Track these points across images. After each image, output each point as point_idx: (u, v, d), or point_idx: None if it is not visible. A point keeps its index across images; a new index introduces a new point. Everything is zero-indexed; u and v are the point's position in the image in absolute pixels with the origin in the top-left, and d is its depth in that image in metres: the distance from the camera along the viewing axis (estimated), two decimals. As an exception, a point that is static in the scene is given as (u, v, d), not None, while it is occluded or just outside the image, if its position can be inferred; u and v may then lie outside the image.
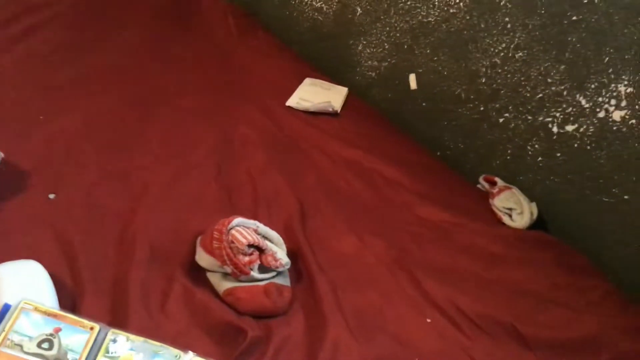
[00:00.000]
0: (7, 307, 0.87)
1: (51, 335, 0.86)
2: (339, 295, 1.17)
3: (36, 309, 0.88)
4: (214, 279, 1.12)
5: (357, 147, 1.64)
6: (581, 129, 1.48)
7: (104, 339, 0.88)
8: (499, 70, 1.60)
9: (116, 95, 1.58)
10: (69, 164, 1.30)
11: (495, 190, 1.59)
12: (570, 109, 1.48)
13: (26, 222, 1.13)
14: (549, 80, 1.50)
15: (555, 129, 1.53)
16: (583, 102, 1.45)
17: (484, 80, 1.65)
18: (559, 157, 1.54)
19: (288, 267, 1.16)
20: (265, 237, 1.16)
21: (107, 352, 0.87)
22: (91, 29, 1.87)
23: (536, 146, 1.58)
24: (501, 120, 1.64)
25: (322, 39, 2.08)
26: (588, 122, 1.46)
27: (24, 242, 1.09)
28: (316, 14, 2.08)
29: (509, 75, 1.59)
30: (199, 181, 1.38)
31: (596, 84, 1.41)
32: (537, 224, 1.55)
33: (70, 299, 1.00)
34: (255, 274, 1.10)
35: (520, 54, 1.54)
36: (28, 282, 0.95)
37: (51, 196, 1.20)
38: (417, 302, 1.22)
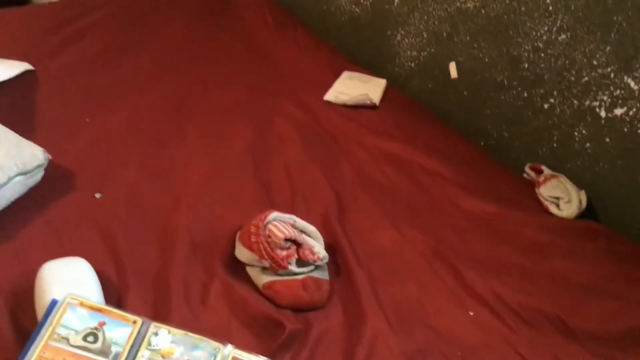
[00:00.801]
0: (54, 303, 0.91)
1: (96, 329, 0.89)
2: (378, 289, 1.16)
3: (82, 304, 0.92)
4: (253, 272, 1.13)
5: (396, 140, 1.62)
6: (630, 112, 1.41)
7: (146, 332, 0.91)
8: (542, 55, 1.55)
9: (156, 94, 1.62)
10: (113, 163, 1.35)
11: (541, 179, 1.54)
12: (618, 91, 1.42)
13: (73, 221, 1.17)
14: (595, 62, 1.45)
15: (603, 113, 1.47)
16: (632, 83, 1.39)
17: (526, 66, 1.60)
18: (608, 142, 1.48)
19: (326, 260, 1.16)
20: (302, 231, 1.17)
21: (150, 345, 0.89)
22: (132, 31, 1.93)
23: (583, 132, 1.53)
24: (546, 106, 1.59)
25: (359, 31, 2.07)
26: (638, 104, 1.39)
27: (72, 240, 1.13)
28: (353, 6, 2.07)
29: (552, 59, 1.53)
30: (237, 176, 1.39)
31: (645, 64, 1.35)
32: (587, 213, 1.49)
33: (115, 294, 1.04)
34: (293, 267, 1.11)
35: (564, 36, 1.49)
36: (75, 278, 0.99)
37: (97, 195, 1.25)
38: (459, 294, 1.20)
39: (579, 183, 1.54)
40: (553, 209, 1.48)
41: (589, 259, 1.34)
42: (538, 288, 1.24)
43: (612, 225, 1.46)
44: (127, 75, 1.67)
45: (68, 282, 0.97)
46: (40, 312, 0.93)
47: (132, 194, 1.27)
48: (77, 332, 0.88)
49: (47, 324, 0.88)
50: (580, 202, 1.48)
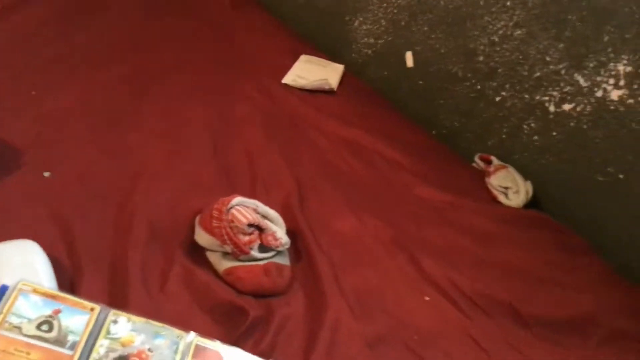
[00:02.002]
0: (4, 289, 0.86)
1: (50, 317, 0.85)
2: (339, 275, 1.16)
3: (35, 290, 0.87)
4: (213, 258, 1.11)
5: (355, 126, 1.63)
6: (578, 108, 1.47)
7: (104, 320, 0.87)
8: (497, 49, 1.59)
9: (109, 72, 1.54)
10: (63, 141, 1.28)
11: (491, 169, 1.59)
12: (568, 88, 1.48)
13: (21, 201, 1.10)
14: (548, 58, 1.49)
15: (552, 108, 1.53)
16: (581, 81, 1.45)
17: (481, 59, 1.63)
18: (555, 136, 1.54)
19: (288, 246, 1.15)
20: (264, 217, 1.15)
21: (109, 333, 0.86)
22: (82, 3, 1.82)
23: (532, 125, 1.58)
24: (498, 99, 1.63)
25: (317, 14, 2.05)
26: (585, 101, 1.45)
27: (20, 221, 1.06)
28: (311, -11, 2.04)
29: (507, 54, 1.57)
30: (196, 159, 1.36)
31: (595, 63, 1.41)
32: (533, 203, 1.55)
33: (68, 280, 0.99)
34: (255, 253, 1.09)
35: (519, 32, 1.53)
36: (25, 262, 0.93)
37: (46, 174, 1.18)
38: (416, 281, 1.22)
39: (525, 174, 1.60)
40: (502, 198, 1.53)
41: (536, 247, 1.40)
42: (490, 275, 1.28)
43: (555, 215, 1.53)
44: (75, 50, 1.58)
45: (18, 267, 0.91)
46: (-13, 299, 0.87)
47: (84, 174, 1.21)
48: (30, 320, 0.83)
49: (-3, 312, 0.83)
50: (527, 192, 1.54)
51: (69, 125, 1.32)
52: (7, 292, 0.85)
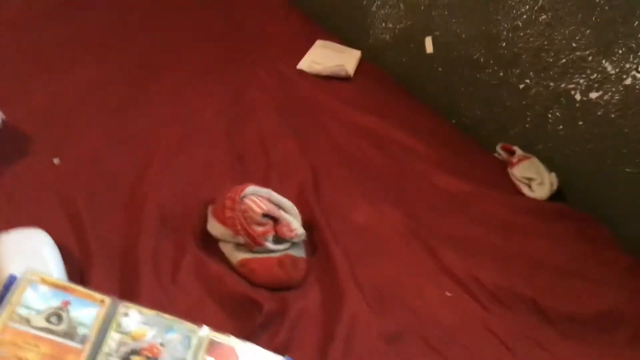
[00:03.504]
0: (12, 279, 0.83)
1: (60, 308, 0.82)
2: (355, 268, 1.13)
3: (43, 281, 0.84)
4: (226, 249, 1.08)
5: (371, 114, 1.58)
6: (605, 97, 1.41)
7: (115, 312, 0.84)
8: (521, 34, 1.53)
9: (120, 55, 1.51)
10: (73, 125, 1.25)
11: (514, 160, 1.54)
12: (595, 75, 1.42)
13: (30, 188, 1.08)
14: (574, 44, 1.43)
15: (578, 96, 1.47)
16: (609, 68, 1.39)
17: (504, 45, 1.58)
18: (581, 125, 1.48)
19: (303, 238, 1.11)
20: (279, 206, 1.11)
21: (119, 326, 0.83)
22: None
23: (557, 114, 1.53)
24: (521, 86, 1.58)
25: (333, -2, 2.00)
26: (613, 89, 1.39)
27: (29, 209, 1.04)
28: (328, -28, 1.99)
29: (531, 39, 1.52)
30: (208, 145, 1.32)
31: (624, 49, 1.35)
32: (557, 196, 1.50)
33: (78, 270, 0.96)
34: (269, 244, 1.06)
35: (544, 16, 1.47)
36: (34, 252, 0.90)
37: (56, 161, 1.15)
38: (435, 274, 1.19)
39: (548, 165, 1.55)
40: (525, 189, 1.48)
41: (560, 240, 1.35)
42: (512, 269, 1.24)
43: (580, 208, 1.48)
44: (90, 32, 1.55)
45: (27, 256, 0.89)
46: (-5, 288, 0.85)
47: (94, 160, 1.18)
48: (39, 312, 0.80)
49: (5, 303, 0.80)
50: (551, 184, 1.49)
51: (79, 109, 1.29)
52: (16, 283, 0.83)
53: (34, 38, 1.48)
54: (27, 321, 0.79)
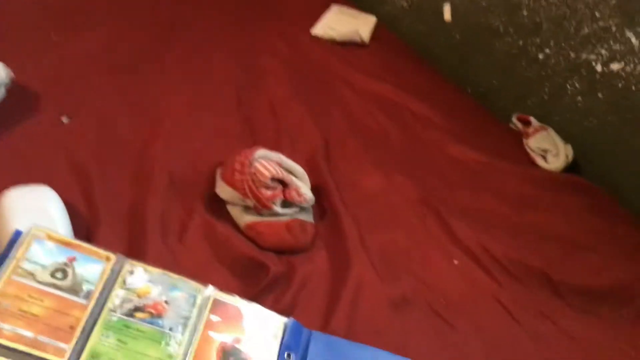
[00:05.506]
0: (18, 234, 0.83)
1: (65, 264, 0.82)
2: (364, 234, 1.11)
3: (49, 237, 0.84)
4: (234, 211, 1.07)
5: (385, 81, 1.55)
6: (627, 68, 1.37)
7: (120, 269, 0.84)
8: (543, 3, 1.48)
9: (131, 19, 1.48)
10: (83, 87, 1.24)
11: (530, 130, 1.51)
12: (618, 46, 1.37)
13: (38, 145, 1.07)
14: (597, 14, 1.38)
15: (599, 68, 1.42)
16: (632, 39, 1.34)
17: (525, 13, 1.53)
18: (601, 97, 1.44)
19: (312, 203, 1.10)
20: (288, 171, 1.10)
21: (124, 283, 0.83)
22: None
23: (576, 85, 1.48)
24: (541, 56, 1.53)
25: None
26: (636, 60, 1.35)
27: (36, 166, 1.04)
28: None
29: (553, 8, 1.47)
30: (219, 110, 1.31)
31: (649, 19, 1.30)
32: (572, 168, 1.47)
33: (84, 228, 0.96)
34: (277, 208, 1.05)
35: (568, -17, 1.42)
36: (40, 208, 0.90)
37: (64, 119, 1.14)
38: (444, 243, 1.17)
39: (566, 137, 1.51)
40: (540, 161, 1.46)
41: (574, 213, 1.32)
42: (523, 241, 1.22)
43: (595, 182, 1.44)
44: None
45: (33, 212, 0.88)
46: (1, 244, 0.85)
47: (103, 120, 1.17)
48: (44, 267, 0.80)
49: (10, 257, 0.80)
50: (567, 156, 1.46)
51: (89, 70, 1.28)
52: (21, 238, 0.83)
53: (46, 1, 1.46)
54: (32, 275, 0.79)
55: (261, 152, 1.08)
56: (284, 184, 1.07)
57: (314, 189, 1.14)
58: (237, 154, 1.08)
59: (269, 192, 1.04)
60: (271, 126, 1.31)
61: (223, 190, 1.07)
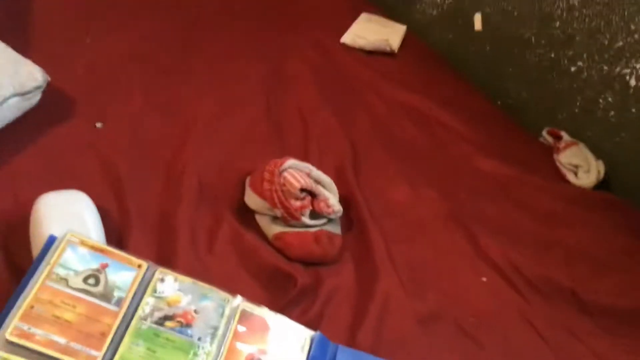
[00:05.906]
0: (52, 239, 0.84)
1: (97, 270, 0.83)
2: (391, 247, 1.11)
3: (82, 243, 0.85)
4: (263, 222, 1.07)
5: (414, 91, 1.54)
6: (662, 83, 1.34)
7: (151, 278, 0.85)
8: (577, 14, 1.46)
9: (162, 22, 1.49)
10: (115, 91, 1.25)
11: (561, 145, 1.49)
12: (653, 60, 1.35)
13: (72, 150, 1.09)
14: (632, 27, 1.36)
15: (633, 82, 1.40)
16: (668, 53, 1.32)
17: (558, 25, 1.51)
18: (634, 112, 1.41)
19: (340, 214, 1.10)
20: (317, 182, 1.10)
21: (155, 291, 0.83)
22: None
23: (609, 99, 1.46)
24: (573, 69, 1.51)
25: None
26: (671, 76, 1.32)
27: (70, 171, 1.05)
28: (374, -58, 1.93)
29: (587, 20, 1.44)
30: (248, 116, 1.31)
31: (686, 34, 1.27)
32: (603, 185, 1.45)
33: (116, 234, 0.97)
34: (306, 219, 1.05)
35: (603, -5, 1.39)
36: (74, 213, 0.91)
37: (98, 125, 1.16)
38: (472, 258, 1.16)
39: (597, 152, 1.49)
40: (571, 177, 1.43)
41: (605, 231, 1.30)
42: (552, 258, 1.20)
43: (626, 198, 1.42)
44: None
45: (67, 218, 0.89)
46: (36, 249, 0.86)
47: (135, 126, 1.18)
48: (77, 273, 0.82)
49: (44, 263, 0.81)
50: (598, 172, 1.43)
51: (120, 74, 1.29)
52: (55, 243, 0.84)
53: (79, 3, 1.48)
54: (65, 281, 0.80)
55: (290, 162, 1.08)
56: (312, 194, 1.07)
57: (341, 199, 1.13)
58: (266, 164, 1.08)
59: (298, 203, 1.05)
60: (300, 133, 1.31)
61: (252, 199, 1.08)
